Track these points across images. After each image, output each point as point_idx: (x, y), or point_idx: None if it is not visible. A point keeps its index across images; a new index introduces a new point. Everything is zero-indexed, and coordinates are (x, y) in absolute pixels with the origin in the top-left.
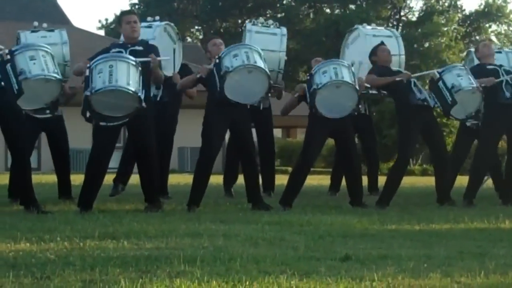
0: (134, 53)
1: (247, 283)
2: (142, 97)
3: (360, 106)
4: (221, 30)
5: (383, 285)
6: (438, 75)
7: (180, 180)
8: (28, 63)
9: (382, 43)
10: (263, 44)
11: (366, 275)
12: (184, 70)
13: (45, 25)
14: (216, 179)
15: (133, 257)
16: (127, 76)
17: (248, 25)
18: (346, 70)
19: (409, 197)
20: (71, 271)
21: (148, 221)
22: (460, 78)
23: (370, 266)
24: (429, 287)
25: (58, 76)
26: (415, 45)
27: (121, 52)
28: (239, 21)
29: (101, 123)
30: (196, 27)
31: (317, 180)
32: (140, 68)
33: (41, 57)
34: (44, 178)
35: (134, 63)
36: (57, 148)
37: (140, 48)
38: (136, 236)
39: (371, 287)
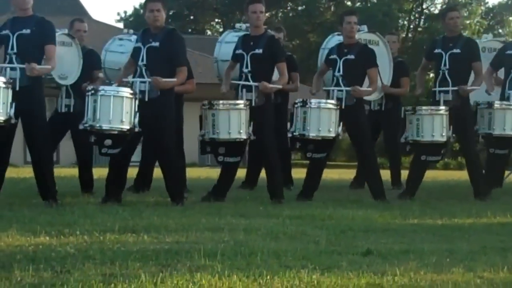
0: (149, 51)
1: (268, 277)
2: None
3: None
4: (241, 23)
5: (405, 280)
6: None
7: (201, 174)
8: None
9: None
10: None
11: (388, 270)
12: None
13: (131, 31)
14: (238, 173)
15: (153, 251)
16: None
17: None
18: None
19: (431, 191)
20: (91, 265)
21: (168, 215)
22: None
23: (392, 261)
24: (451, 282)
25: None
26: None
27: (140, 48)
28: None
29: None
30: (216, 20)
31: (338, 174)
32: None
33: None
34: (63, 171)
35: (132, 96)
36: (79, 143)
37: (157, 44)
38: (156, 230)
39: (393, 282)
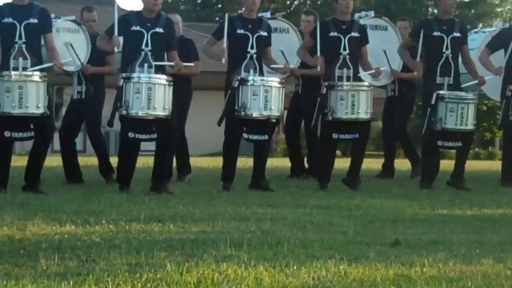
0: (155, 36)
1: (295, 267)
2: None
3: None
4: (269, 11)
5: (433, 271)
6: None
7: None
8: None
9: None
10: None
11: (416, 261)
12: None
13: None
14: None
15: (179, 241)
16: (163, 101)
17: None
18: None
19: None
20: (117, 254)
21: (194, 204)
22: None
23: (420, 252)
24: (481, 274)
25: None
26: (468, 26)
27: (142, 32)
28: (287, 1)
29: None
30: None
31: (366, 163)
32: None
33: None
34: (90, 160)
35: (167, 82)
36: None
37: (161, 30)
38: (182, 220)
39: (421, 273)
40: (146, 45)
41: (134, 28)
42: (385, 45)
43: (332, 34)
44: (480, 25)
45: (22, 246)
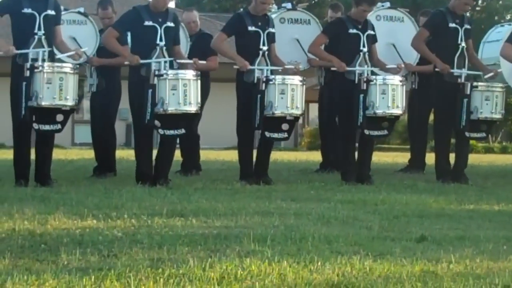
0: (167, 31)
1: (319, 263)
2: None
3: None
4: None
5: (460, 268)
6: None
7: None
8: None
9: None
10: None
11: (443, 257)
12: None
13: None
14: (287, 156)
15: (202, 236)
16: (196, 96)
17: None
18: None
19: (488, 176)
20: (139, 249)
21: (217, 199)
22: None
23: (447, 248)
24: (508, 270)
25: None
26: (496, 17)
27: (155, 27)
28: None
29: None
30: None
31: (392, 157)
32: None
33: None
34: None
35: (196, 77)
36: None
37: (172, 24)
38: (205, 214)
39: (447, 269)
40: (161, 39)
41: (147, 23)
42: (400, 37)
43: (351, 31)
44: (509, 16)
45: (43, 241)
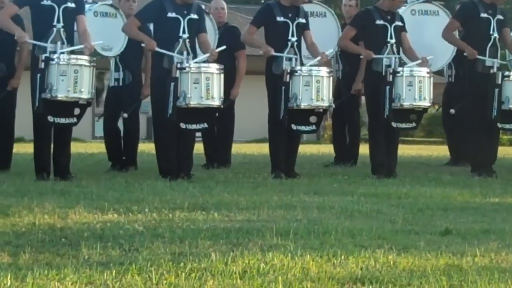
0: (190, 22)
1: (342, 257)
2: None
3: None
4: None
5: (485, 261)
6: None
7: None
8: None
9: None
10: None
11: (468, 250)
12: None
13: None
14: (309, 149)
15: (224, 230)
16: (219, 90)
17: None
18: None
19: None
20: (160, 243)
21: (239, 192)
22: None
23: (471, 241)
24: None
25: None
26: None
27: (178, 19)
28: None
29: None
30: None
31: (416, 150)
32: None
33: None
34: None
35: (219, 71)
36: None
37: (195, 16)
38: (227, 208)
39: (472, 263)
40: (184, 32)
41: (170, 14)
42: (436, 31)
43: (378, 22)
44: None
45: (63, 235)
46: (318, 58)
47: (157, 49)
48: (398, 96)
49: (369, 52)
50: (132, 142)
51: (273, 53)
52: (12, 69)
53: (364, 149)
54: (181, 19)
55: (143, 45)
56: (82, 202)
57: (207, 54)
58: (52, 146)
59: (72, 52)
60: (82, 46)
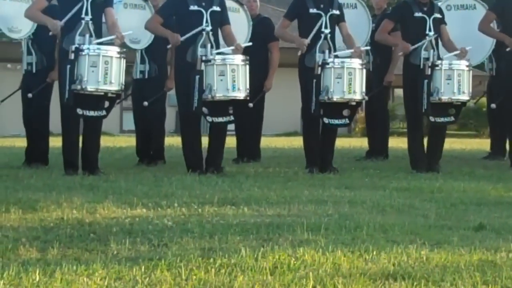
0: (213, 15)
1: (374, 253)
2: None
3: None
4: None
5: None
6: None
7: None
8: None
9: None
10: None
11: (502, 246)
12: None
13: None
14: (341, 142)
15: (254, 225)
16: (244, 81)
17: None
18: None
19: None
20: (189, 238)
21: (269, 187)
22: None
23: (506, 236)
24: None
25: None
26: None
27: (200, 12)
28: None
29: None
30: None
31: (449, 143)
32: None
33: None
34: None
35: (244, 62)
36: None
37: (218, 8)
38: (257, 202)
39: (507, 258)
40: (207, 24)
41: (192, 7)
42: (474, 25)
43: (417, 14)
44: None
45: (92, 230)
46: (350, 50)
47: (182, 38)
48: (436, 89)
49: (407, 45)
50: (157, 136)
51: (308, 42)
52: (51, 62)
53: (396, 142)
54: (204, 11)
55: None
56: (111, 197)
57: (232, 47)
58: (80, 139)
59: (101, 44)
60: (113, 37)
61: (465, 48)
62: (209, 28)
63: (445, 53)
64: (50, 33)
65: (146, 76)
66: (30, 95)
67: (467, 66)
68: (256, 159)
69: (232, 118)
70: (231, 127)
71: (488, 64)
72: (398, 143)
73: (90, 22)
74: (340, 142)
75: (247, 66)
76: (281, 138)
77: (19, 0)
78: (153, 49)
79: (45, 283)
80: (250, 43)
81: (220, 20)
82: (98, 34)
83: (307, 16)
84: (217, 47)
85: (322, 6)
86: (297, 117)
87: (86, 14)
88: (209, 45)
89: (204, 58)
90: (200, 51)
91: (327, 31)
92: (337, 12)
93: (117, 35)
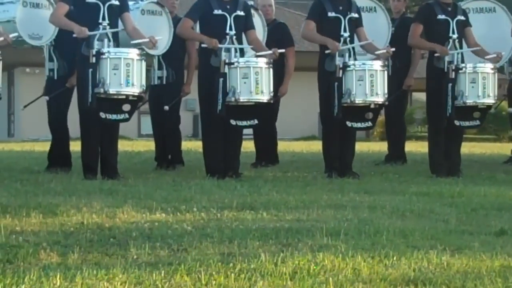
0: (237, 19)
1: (394, 258)
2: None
3: None
4: None
5: None
6: None
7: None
8: None
9: None
10: None
11: None
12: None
13: None
14: (359, 146)
15: (273, 229)
16: (268, 84)
17: None
18: None
19: None
20: (209, 243)
21: (288, 191)
22: None
23: None
24: None
25: None
26: None
27: (225, 16)
28: None
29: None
30: None
31: (468, 147)
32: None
33: None
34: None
35: (268, 65)
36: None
37: (242, 13)
38: (276, 207)
39: None
40: (230, 28)
41: (216, 12)
42: (494, 29)
43: (440, 17)
44: None
45: (112, 235)
46: (372, 55)
47: (220, 45)
48: (461, 93)
49: (445, 49)
50: (174, 141)
51: (341, 47)
52: (73, 68)
53: (415, 146)
54: (228, 16)
55: (203, 45)
56: (130, 202)
57: (270, 52)
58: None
59: (138, 45)
60: (147, 40)
61: (501, 53)
62: (232, 32)
63: (472, 58)
64: (74, 35)
65: (164, 82)
66: (47, 98)
67: (492, 68)
68: (274, 164)
69: (256, 121)
70: (247, 131)
71: (508, 68)
72: (416, 147)
73: (107, 27)
74: (359, 146)
75: (271, 70)
76: (299, 142)
77: (39, 7)
78: (170, 54)
79: (66, 287)
80: (283, 50)
81: (245, 25)
82: (116, 39)
83: (325, 20)
84: (241, 51)
85: (341, 8)
86: (314, 122)
87: (103, 19)
88: (233, 50)
89: (227, 60)
90: (223, 55)
91: (346, 34)
92: (356, 15)
93: (150, 39)
